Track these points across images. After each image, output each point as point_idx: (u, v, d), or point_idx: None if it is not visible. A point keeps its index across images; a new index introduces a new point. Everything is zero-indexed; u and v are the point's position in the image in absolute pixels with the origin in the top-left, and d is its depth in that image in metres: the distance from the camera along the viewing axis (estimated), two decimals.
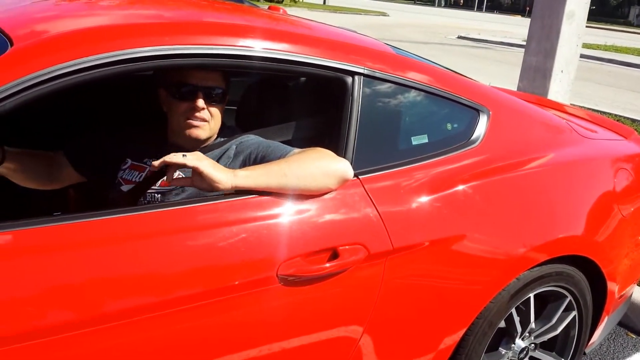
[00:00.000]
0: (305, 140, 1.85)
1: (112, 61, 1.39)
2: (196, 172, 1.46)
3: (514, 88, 6.19)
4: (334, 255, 1.60)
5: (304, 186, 1.56)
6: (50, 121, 2.25)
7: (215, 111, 1.72)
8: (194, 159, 1.45)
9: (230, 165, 1.71)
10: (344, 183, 1.64)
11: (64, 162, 1.85)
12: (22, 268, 1.29)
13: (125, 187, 1.77)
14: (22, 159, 1.78)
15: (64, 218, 1.39)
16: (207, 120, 1.71)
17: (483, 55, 16.35)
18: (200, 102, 1.67)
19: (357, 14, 32.38)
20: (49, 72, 1.32)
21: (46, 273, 1.30)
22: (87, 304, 1.33)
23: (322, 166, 1.59)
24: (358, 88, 1.74)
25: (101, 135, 1.89)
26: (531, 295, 2.11)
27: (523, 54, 5.76)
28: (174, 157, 1.44)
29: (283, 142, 1.81)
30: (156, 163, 1.45)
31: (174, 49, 1.48)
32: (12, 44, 1.37)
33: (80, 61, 1.36)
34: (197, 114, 1.68)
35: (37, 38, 1.42)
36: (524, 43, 5.98)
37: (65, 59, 1.35)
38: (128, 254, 1.39)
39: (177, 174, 1.71)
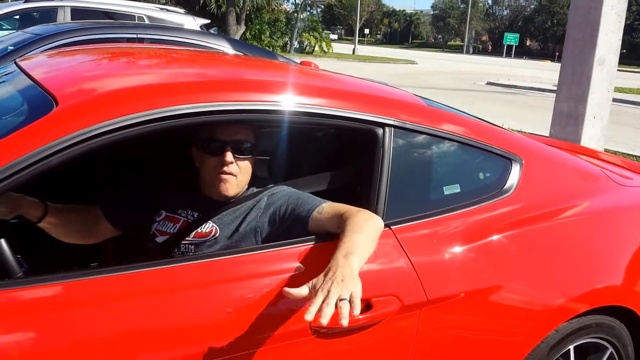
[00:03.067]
0: (337, 191, 1.88)
1: (150, 119, 1.45)
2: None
3: (546, 133, 6.16)
4: (367, 306, 1.59)
5: (372, 250, 1.57)
6: (86, 175, 2.32)
7: (244, 164, 1.76)
8: (350, 289, 1.37)
9: (260, 217, 1.74)
10: None
11: (100, 217, 1.89)
12: (60, 320, 1.32)
13: (160, 239, 1.80)
14: (63, 213, 1.83)
15: (101, 271, 1.43)
16: (235, 175, 1.74)
17: (513, 100, 16.33)
18: (229, 157, 1.71)
19: (386, 62, 32.84)
20: (91, 131, 1.38)
21: (82, 325, 1.33)
22: (121, 356, 1.34)
23: (376, 227, 1.61)
24: (389, 139, 1.77)
25: (136, 189, 1.94)
26: (571, 347, 2.05)
27: (554, 99, 5.74)
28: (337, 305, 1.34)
29: (316, 192, 1.84)
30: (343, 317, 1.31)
31: (208, 106, 1.53)
32: (57, 104, 1.44)
33: (120, 120, 1.41)
34: (225, 169, 1.72)
35: (80, 98, 1.48)
36: (555, 88, 5.98)
37: (106, 118, 1.41)
38: (163, 307, 1.42)
39: (211, 225, 1.74)
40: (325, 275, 1.39)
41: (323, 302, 1.31)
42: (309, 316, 1.29)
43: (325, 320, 1.28)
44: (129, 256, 2.02)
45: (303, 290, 1.37)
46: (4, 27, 9.75)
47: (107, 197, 1.94)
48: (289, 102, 1.66)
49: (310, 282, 1.39)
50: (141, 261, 1.71)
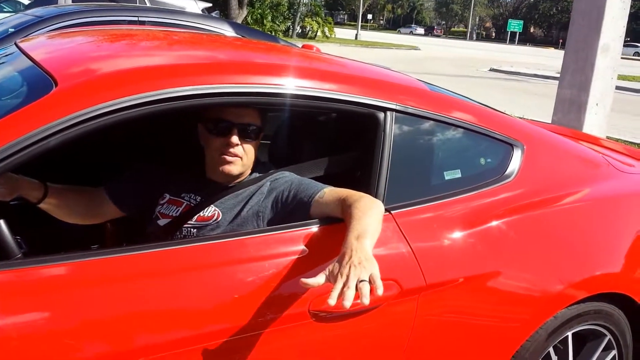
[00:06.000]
0: (338, 176, 1.87)
1: (151, 100, 1.44)
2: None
3: (549, 120, 6.14)
4: None
5: (377, 237, 1.57)
6: (90, 157, 2.32)
7: (249, 147, 1.76)
8: (369, 271, 1.37)
9: (263, 202, 1.74)
10: None
11: (105, 199, 1.89)
12: (60, 301, 1.32)
13: (162, 221, 1.80)
14: (64, 194, 1.83)
15: (101, 253, 1.43)
16: (240, 157, 1.74)
17: (516, 87, 16.27)
18: (235, 139, 1.71)
19: (388, 48, 32.67)
20: (90, 112, 1.37)
21: (82, 307, 1.33)
22: (121, 337, 1.35)
23: (380, 214, 1.61)
24: (390, 123, 1.76)
25: (141, 172, 1.94)
26: (569, 333, 2.05)
27: (557, 86, 5.72)
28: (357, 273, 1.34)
29: (316, 177, 1.84)
30: (348, 303, 1.30)
31: (212, 88, 1.52)
32: (56, 84, 1.43)
33: (121, 101, 1.41)
34: (231, 150, 1.72)
35: (80, 79, 1.47)
36: (558, 75, 5.95)
37: (107, 99, 1.40)
38: (163, 288, 1.42)
39: (213, 209, 1.74)
40: (341, 261, 1.39)
41: (343, 286, 1.32)
42: (332, 301, 1.29)
43: (348, 303, 1.28)
44: (130, 238, 2.03)
45: (320, 279, 1.37)
46: (5, 10, 9.69)
47: (112, 179, 1.94)
48: (289, 85, 1.65)
49: (327, 269, 1.39)
50: (142, 243, 1.73)
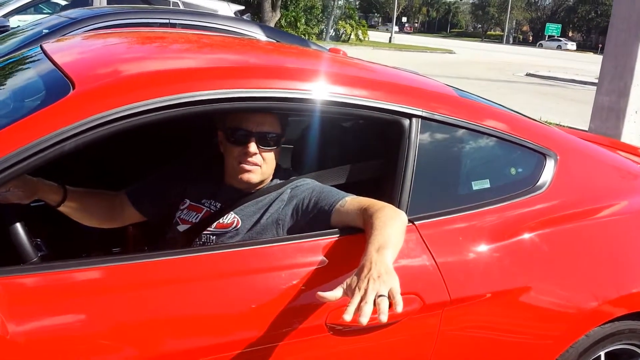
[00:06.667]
0: (361, 184, 1.82)
1: (167, 105, 1.41)
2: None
3: (585, 127, 5.98)
4: None
5: (399, 250, 1.51)
6: (112, 161, 2.31)
7: (269, 156, 1.72)
8: (388, 285, 1.31)
9: (283, 209, 1.70)
10: None
11: (126, 203, 1.89)
12: (74, 307, 1.31)
13: (182, 227, 1.79)
14: (84, 198, 1.82)
15: (120, 259, 1.42)
16: (259, 165, 1.71)
17: (553, 93, 15.95)
18: (253, 147, 1.68)
19: (422, 52, 32.46)
20: (106, 116, 1.35)
21: (97, 313, 1.32)
22: (136, 345, 1.33)
23: (403, 225, 1.56)
24: (415, 130, 1.70)
25: (162, 177, 1.93)
26: (602, 353, 1.96)
27: (595, 92, 5.56)
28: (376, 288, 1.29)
29: (338, 185, 1.79)
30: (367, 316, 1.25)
31: (232, 93, 1.49)
32: (73, 87, 1.41)
33: (136, 105, 1.38)
34: (250, 159, 1.69)
35: (97, 82, 1.45)
36: (596, 80, 5.80)
37: (123, 103, 1.38)
38: (182, 296, 1.40)
39: (233, 216, 1.71)
40: (359, 274, 1.33)
41: (361, 301, 1.26)
42: (348, 316, 1.24)
43: (365, 320, 1.23)
44: (151, 241, 2.01)
45: (337, 293, 1.31)
46: (44, 11, 9.91)
47: (134, 184, 1.94)
48: (311, 90, 1.60)
49: (344, 282, 1.33)
50: (163, 249, 1.71)
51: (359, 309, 1.25)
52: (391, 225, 1.49)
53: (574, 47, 63.47)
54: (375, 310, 1.25)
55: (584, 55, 49.04)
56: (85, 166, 2.19)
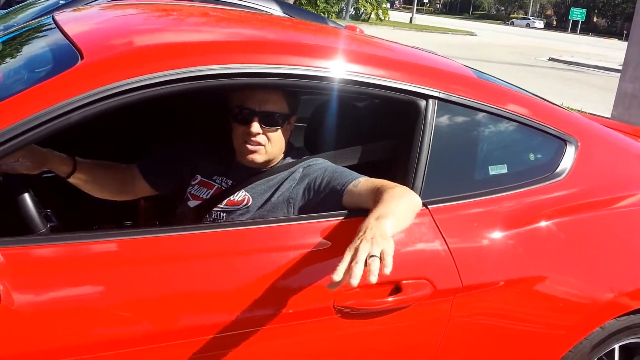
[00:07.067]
0: (374, 165, 1.78)
1: (177, 78, 1.38)
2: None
3: (608, 115, 5.86)
4: (397, 289, 1.50)
5: (404, 227, 1.48)
6: (125, 134, 2.29)
7: (275, 135, 1.68)
8: (380, 247, 1.26)
9: (294, 188, 1.67)
10: None
11: (138, 176, 1.87)
12: (88, 279, 1.30)
13: (192, 203, 1.77)
14: (94, 170, 1.80)
15: (130, 232, 1.42)
16: (263, 145, 1.67)
17: (575, 78, 15.69)
18: (255, 127, 1.63)
19: (443, 33, 32.05)
20: (116, 87, 1.32)
21: (110, 286, 1.32)
22: (141, 320, 1.32)
23: (412, 205, 1.52)
24: (432, 112, 1.65)
25: (175, 151, 1.91)
26: (616, 346, 1.92)
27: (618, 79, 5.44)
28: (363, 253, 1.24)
29: (351, 165, 1.75)
30: (355, 282, 1.21)
31: (241, 68, 1.45)
32: (82, 58, 1.38)
33: (147, 77, 1.35)
34: (253, 139, 1.65)
35: (106, 53, 1.42)
36: (620, 67, 5.66)
37: (133, 75, 1.34)
38: (191, 272, 1.38)
39: (244, 193, 1.68)
40: (354, 238, 1.29)
41: (351, 261, 1.22)
42: (337, 276, 1.20)
43: (355, 281, 1.18)
44: (163, 217, 2.00)
45: (339, 274, 1.23)
46: None
47: (146, 157, 1.92)
48: (324, 67, 1.56)
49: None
50: (173, 224, 1.69)
51: (349, 269, 1.21)
52: (398, 201, 1.45)
53: (542, 26, 67.80)
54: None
55: (609, 41, 48.12)
56: (98, 139, 2.17)
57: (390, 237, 1.30)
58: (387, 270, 1.22)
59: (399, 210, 1.43)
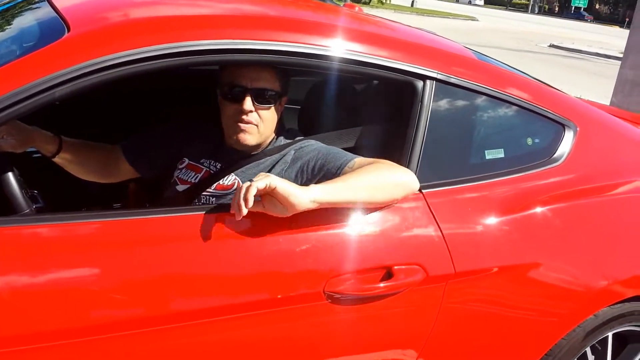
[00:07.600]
0: (368, 148, 1.74)
1: (167, 53, 1.33)
2: (267, 195, 1.33)
3: (607, 102, 5.82)
4: (388, 274, 1.47)
5: (374, 199, 1.46)
6: (111, 114, 2.24)
7: (267, 114, 1.62)
8: (263, 179, 1.31)
9: (286, 171, 1.63)
10: (408, 195, 1.53)
11: (121, 158, 1.82)
12: (65, 262, 1.26)
13: (180, 187, 1.71)
14: (79, 150, 1.76)
15: (119, 214, 1.37)
16: (256, 124, 1.61)
17: (576, 65, 15.60)
18: (248, 105, 1.58)
19: (444, 17, 31.81)
20: (102, 62, 1.27)
21: (94, 269, 1.28)
22: (129, 303, 1.29)
23: (392, 177, 1.49)
24: (429, 93, 1.61)
25: (160, 132, 1.85)
26: (609, 334, 1.90)
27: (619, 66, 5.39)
28: (245, 191, 1.29)
29: (345, 148, 1.71)
30: (241, 213, 1.30)
31: (231, 44, 1.40)
32: (68, 31, 1.33)
33: (135, 52, 1.30)
34: (244, 117, 1.59)
35: (94, 25, 1.37)
36: (621, 55, 5.61)
37: (121, 49, 1.30)
38: (179, 256, 1.34)
39: (233, 177, 1.64)
40: None
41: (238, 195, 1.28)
42: (232, 209, 1.30)
43: (238, 211, 1.27)
44: (153, 200, 1.96)
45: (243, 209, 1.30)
46: None
47: (129, 138, 1.86)
48: (320, 44, 1.51)
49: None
50: (162, 206, 1.65)
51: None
52: (360, 173, 1.44)
53: (482, 3, 70.99)
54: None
55: (610, 28, 47.83)
56: (85, 118, 2.13)
57: (284, 182, 1.32)
58: (250, 196, 1.27)
59: (353, 179, 1.42)
